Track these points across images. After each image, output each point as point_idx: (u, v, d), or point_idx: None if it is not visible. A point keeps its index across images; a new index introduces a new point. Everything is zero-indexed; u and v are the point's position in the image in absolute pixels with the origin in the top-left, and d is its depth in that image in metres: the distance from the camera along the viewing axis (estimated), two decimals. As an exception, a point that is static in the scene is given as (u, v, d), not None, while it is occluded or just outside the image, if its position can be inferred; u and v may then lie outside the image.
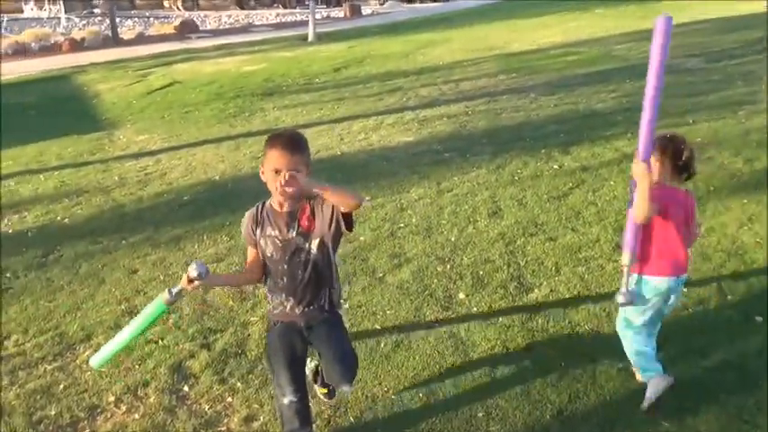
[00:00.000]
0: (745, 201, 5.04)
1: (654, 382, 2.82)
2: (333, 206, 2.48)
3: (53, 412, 3.13)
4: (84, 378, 3.41)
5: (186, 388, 3.29)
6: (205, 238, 5.11)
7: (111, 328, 3.83)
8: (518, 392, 3.07)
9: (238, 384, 3.28)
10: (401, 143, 7.34)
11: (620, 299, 2.81)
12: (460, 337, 3.54)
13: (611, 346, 3.33)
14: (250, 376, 3.33)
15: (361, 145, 7.40)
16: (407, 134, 7.67)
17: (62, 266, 4.78)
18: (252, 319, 3.89)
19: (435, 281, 4.18)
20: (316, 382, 3.03)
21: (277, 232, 2.57)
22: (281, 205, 2.56)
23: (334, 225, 2.52)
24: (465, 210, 5.27)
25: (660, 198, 2.71)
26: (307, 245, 2.56)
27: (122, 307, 4.11)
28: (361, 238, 4.89)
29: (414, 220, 5.17)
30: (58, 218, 5.79)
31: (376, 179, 6.16)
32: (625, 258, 2.79)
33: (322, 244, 2.56)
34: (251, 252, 2.69)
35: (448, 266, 4.35)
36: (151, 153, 7.74)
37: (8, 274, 4.68)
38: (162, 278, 4.47)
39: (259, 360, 3.46)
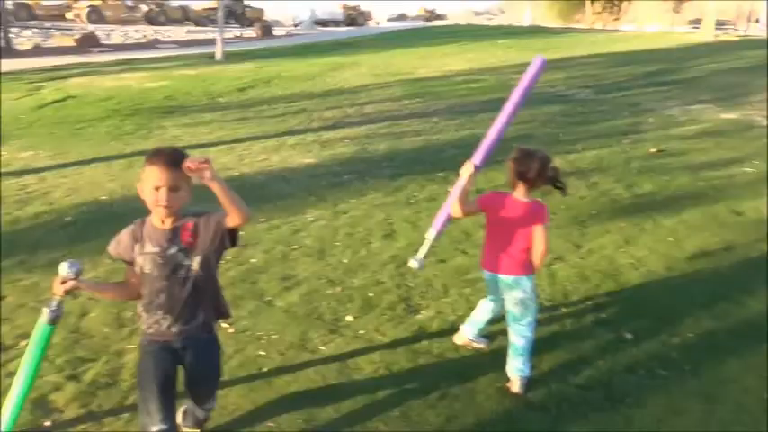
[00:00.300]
0: (623, 224, 5.31)
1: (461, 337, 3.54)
2: (218, 221, 2.45)
3: None
4: (-69, 415, 3.11)
5: (48, 423, 3.06)
6: (85, 261, 4.83)
7: (-31, 360, 3.53)
8: (397, 415, 3.05)
9: (107, 417, 3.08)
10: (301, 165, 7.29)
11: (411, 263, 3.43)
12: (345, 361, 3.49)
13: (491, 366, 3.38)
14: (121, 408, 3.14)
15: (261, 166, 7.29)
16: (308, 156, 7.63)
17: None
18: (128, 347, 3.68)
19: (324, 303, 4.13)
20: (184, 420, 2.92)
21: (158, 249, 2.50)
22: (162, 221, 2.49)
23: (218, 240, 2.49)
24: (359, 232, 5.27)
25: (488, 202, 3.17)
26: (188, 261, 2.51)
27: (-16, 336, 3.80)
28: (253, 261, 4.77)
29: (308, 242, 5.11)
30: None
31: (273, 201, 6.07)
32: (430, 234, 3.40)
33: (205, 260, 2.52)
34: (128, 270, 2.62)
35: (338, 289, 4.31)
36: (35, 171, 7.30)
37: None
38: (32, 305, 4.17)
39: (132, 390, 3.27)
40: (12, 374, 3.39)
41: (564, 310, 3.97)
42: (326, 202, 5.97)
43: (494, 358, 3.40)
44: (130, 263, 2.57)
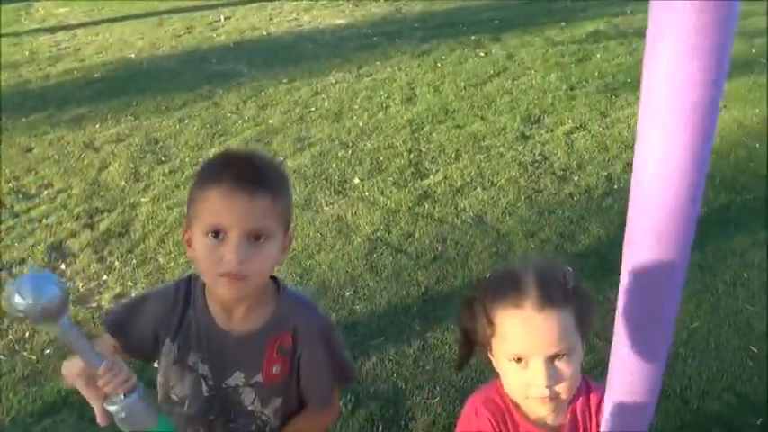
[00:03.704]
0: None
1: None
2: (331, 356, 1.33)
3: None
4: (-40, 255, 3.37)
5: (63, 266, 3.27)
6: (108, 117, 4.94)
7: (-4, 207, 3.76)
8: (389, 274, 3.13)
9: (116, 263, 3.27)
10: (331, 25, 7.06)
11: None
12: (346, 221, 3.56)
13: (490, 234, 3.39)
14: (129, 255, 3.33)
15: (290, 26, 7.10)
16: (340, 16, 7.37)
17: (-46, 143, 4.61)
18: (142, 199, 3.83)
19: (334, 165, 4.14)
20: None
21: (206, 368, 1.28)
22: (226, 311, 1.27)
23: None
24: (380, 95, 5.16)
25: None
26: (259, 407, 1.31)
27: (10, 185, 4.00)
28: (270, 121, 4.78)
29: (326, 104, 5.05)
30: (-42, 93, 5.52)
31: (297, 62, 5.96)
32: None
33: (287, 404, 1.34)
34: (109, 346, 1.28)
35: (349, 152, 4.31)
36: (68, 27, 7.32)
37: None
38: (57, 158, 4.34)
39: (142, 240, 3.45)
40: (33, 221, 3.62)
41: (575, 178, 3.88)
42: (351, 64, 5.83)
43: (493, 226, 3.39)
44: (131, 351, 1.30)
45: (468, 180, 3.91)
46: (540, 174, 3.94)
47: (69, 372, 1.08)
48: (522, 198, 3.69)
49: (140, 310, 1.30)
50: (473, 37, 6.40)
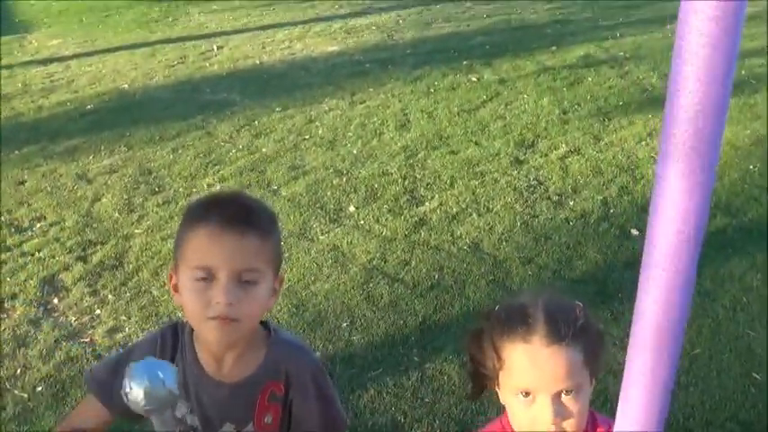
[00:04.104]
0: (651, 116, 5.05)
1: None
2: (323, 404, 1.29)
3: None
4: (-50, 291, 3.32)
5: (56, 300, 3.23)
6: (102, 148, 4.92)
7: (-13, 241, 3.72)
8: (386, 303, 3.10)
9: (109, 296, 3.24)
10: (324, 53, 7.10)
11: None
12: (342, 250, 3.53)
13: (487, 261, 3.38)
14: (123, 288, 3.29)
15: (283, 54, 7.14)
16: (332, 44, 7.41)
17: (-54, 177, 4.58)
18: (136, 231, 3.80)
19: (329, 193, 4.13)
20: None
21: (198, 420, 1.24)
22: (216, 359, 1.22)
23: None
24: (374, 122, 5.17)
25: None
26: None
27: (2, 219, 3.96)
28: (264, 150, 4.78)
29: (320, 131, 5.06)
30: (-50, 126, 5.50)
31: (291, 90, 5.97)
32: None
33: None
34: (94, 409, 1.26)
35: (344, 179, 4.30)
36: (61, 59, 7.33)
37: None
38: (49, 190, 4.31)
39: (135, 272, 3.41)
40: (26, 254, 3.58)
41: (571, 203, 3.88)
42: (344, 91, 5.84)
43: (492, 255, 3.38)
44: (118, 409, 1.18)
45: (464, 206, 3.90)
46: (536, 199, 3.93)
47: None
48: (518, 224, 3.68)
49: (125, 366, 1.21)
50: (465, 62, 6.45)
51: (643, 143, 4.65)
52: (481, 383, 1.25)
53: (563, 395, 1.12)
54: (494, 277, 3.25)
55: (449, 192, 4.08)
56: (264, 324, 1.27)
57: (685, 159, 0.67)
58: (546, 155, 4.49)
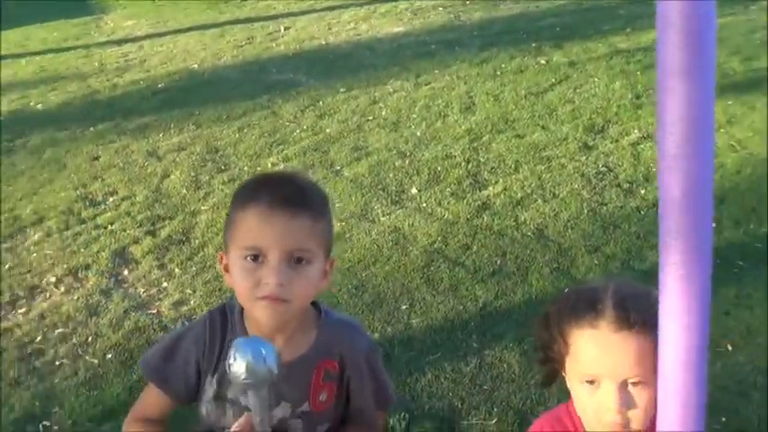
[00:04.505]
0: (731, 102, 4.79)
1: None
2: (376, 382, 1.30)
3: (-6, 290, 3.22)
4: (29, 259, 3.48)
5: (126, 272, 3.34)
6: (172, 126, 5.05)
7: (64, 213, 3.88)
8: (446, 287, 3.06)
9: (176, 270, 3.32)
10: (389, 34, 7.05)
11: None
12: (403, 232, 3.51)
13: (551, 248, 3.29)
14: (189, 263, 3.37)
15: (349, 35, 7.13)
16: (398, 25, 7.35)
17: (28, 152, 4.80)
18: (202, 207, 3.89)
19: (391, 175, 4.11)
20: None
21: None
22: (268, 339, 1.14)
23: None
24: (438, 104, 5.11)
25: None
26: None
27: (78, 192, 4.13)
28: (327, 130, 4.79)
29: (384, 113, 5.03)
30: (31, 103, 5.76)
31: (356, 70, 5.97)
32: None
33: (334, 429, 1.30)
34: (155, 397, 1.26)
35: (407, 161, 4.26)
36: (135, 39, 7.55)
37: (-26, 158, 4.71)
38: (122, 165, 4.46)
39: (201, 248, 3.49)
40: (99, 227, 3.71)
41: (642, 191, 3.73)
42: (409, 73, 5.79)
43: (555, 239, 3.29)
44: (174, 394, 1.24)
45: (529, 192, 3.81)
46: (605, 186, 3.80)
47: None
48: (585, 211, 3.57)
49: (177, 353, 1.23)
50: (533, 44, 6.28)
51: (722, 131, 4.42)
52: (552, 370, 1.22)
53: (630, 385, 1.08)
54: (558, 265, 3.16)
55: (513, 176, 3.99)
56: (315, 305, 1.26)
57: None
58: (617, 141, 4.33)
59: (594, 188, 3.79)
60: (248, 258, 1.11)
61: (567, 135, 4.44)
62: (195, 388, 1.23)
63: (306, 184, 1.23)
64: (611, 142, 4.31)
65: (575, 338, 1.12)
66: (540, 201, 3.70)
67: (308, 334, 1.22)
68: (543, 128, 4.59)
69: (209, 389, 1.21)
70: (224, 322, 1.22)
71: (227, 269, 1.18)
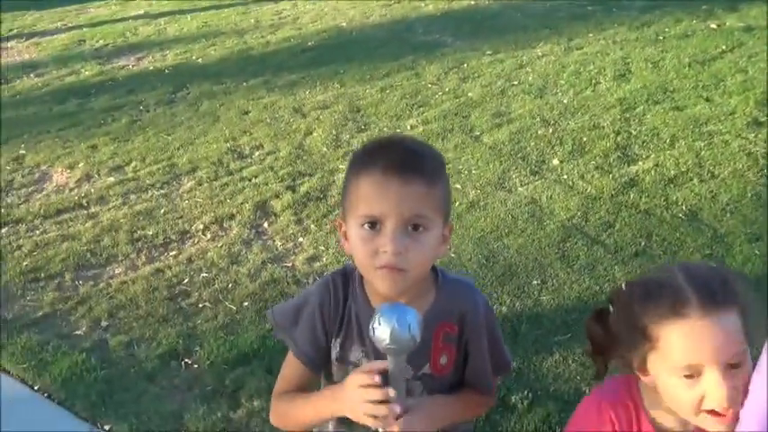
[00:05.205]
0: None
1: None
2: (493, 343, 1.27)
3: (150, 232, 3.50)
4: (182, 206, 3.74)
5: (266, 224, 3.50)
6: (318, 84, 5.17)
7: (214, 164, 4.11)
8: (582, 266, 2.91)
9: (312, 226, 3.42)
10: (543, -6, 6.71)
11: None
12: (540, 204, 3.37)
13: (705, 233, 3.02)
14: (324, 220, 3.46)
15: (499, -6, 6.88)
16: (553, -17, 6.98)
17: (186, 103, 5.12)
18: (341, 166, 3.96)
19: (532, 144, 3.95)
20: None
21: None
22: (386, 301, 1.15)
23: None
24: (589, 70, 4.81)
25: None
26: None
27: (228, 145, 4.36)
28: (470, 94, 4.69)
29: (530, 78, 4.83)
30: (193, 57, 6.12)
31: (503, 32, 5.76)
32: None
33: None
34: (296, 369, 1.27)
35: (550, 130, 4.07)
36: (291, -3, 7.78)
37: (141, 107, 5.11)
38: (269, 121, 4.65)
39: (337, 206, 3.57)
40: (244, 179, 3.90)
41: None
42: (561, 36, 5.50)
43: (710, 223, 3.01)
44: (312, 365, 1.25)
45: (684, 170, 3.50)
46: (775, 168, 3.41)
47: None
48: (749, 195, 3.23)
49: (302, 317, 1.23)
50: (704, 6, 5.71)
51: None
52: (605, 363, 1.20)
53: (732, 368, 1.02)
54: (711, 252, 2.89)
55: (668, 152, 3.69)
56: (432, 267, 1.23)
57: None
58: (795, 117, 3.85)
59: (762, 170, 3.41)
60: (365, 226, 1.10)
61: (735, 109, 4.02)
62: (325, 351, 1.23)
63: (419, 149, 1.18)
64: (788, 119, 3.85)
65: (662, 333, 1.05)
66: (695, 180, 3.40)
67: (426, 296, 1.21)
68: (707, 100, 4.18)
69: (333, 351, 1.23)
70: (345, 287, 1.23)
71: (345, 236, 1.18)
